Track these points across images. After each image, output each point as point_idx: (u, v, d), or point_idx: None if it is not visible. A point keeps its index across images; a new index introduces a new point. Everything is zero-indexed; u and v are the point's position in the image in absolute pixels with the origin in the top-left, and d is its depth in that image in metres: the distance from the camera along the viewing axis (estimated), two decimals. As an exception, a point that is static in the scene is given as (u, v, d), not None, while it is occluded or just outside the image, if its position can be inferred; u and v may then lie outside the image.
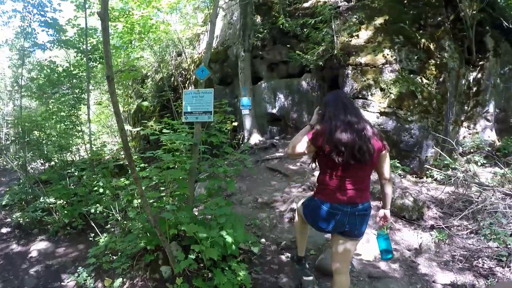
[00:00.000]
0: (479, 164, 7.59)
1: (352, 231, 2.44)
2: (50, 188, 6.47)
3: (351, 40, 8.09)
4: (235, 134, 9.75)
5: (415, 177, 7.32)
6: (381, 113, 7.21)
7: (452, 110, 8.54)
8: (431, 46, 8.10)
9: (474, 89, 9.15)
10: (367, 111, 7.32)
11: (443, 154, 6.69)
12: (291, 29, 8.40)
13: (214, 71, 10.78)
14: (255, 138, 8.79)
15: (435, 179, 6.97)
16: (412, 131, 7.23)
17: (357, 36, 8.13)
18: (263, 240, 4.19)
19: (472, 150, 8.27)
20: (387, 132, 7.25)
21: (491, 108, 9.04)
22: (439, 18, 8.59)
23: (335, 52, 7.77)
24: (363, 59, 7.62)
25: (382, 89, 7.29)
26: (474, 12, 8.61)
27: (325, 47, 7.71)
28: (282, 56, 9.69)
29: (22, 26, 7.73)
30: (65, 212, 5.80)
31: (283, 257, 3.85)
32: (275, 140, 8.89)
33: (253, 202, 5.32)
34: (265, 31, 9.03)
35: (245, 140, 9.01)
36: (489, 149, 7.46)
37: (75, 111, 8.15)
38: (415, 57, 7.82)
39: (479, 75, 9.17)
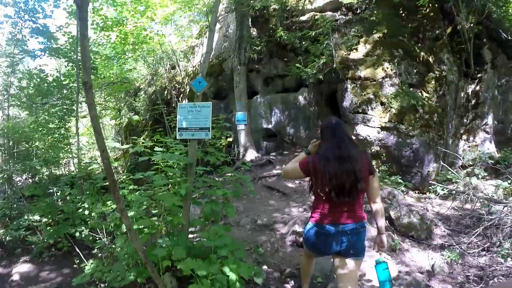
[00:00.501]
0: (480, 177, 7.37)
1: (348, 251, 2.45)
2: (34, 205, 6.05)
3: (349, 54, 7.93)
4: (229, 149, 9.48)
5: (418, 193, 7.09)
6: (382, 128, 7.00)
7: (452, 123, 8.40)
8: (430, 59, 7.99)
9: (473, 101, 9.03)
10: (368, 126, 7.11)
11: (449, 168, 6.45)
12: (290, 41, 8.24)
13: (208, 84, 10.53)
14: (251, 154, 8.50)
15: (438, 195, 6.73)
16: (414, 146, 7.03)
17: (356, 49, 7.98)
18: (264, 267, 3.85)
19: (471, 163, 8.10)
20: (388, 147, 7.03)
21: (490, 120, 8.92)
22: (437, 31, 8.52)
23: (334, 65, 7.59)
24: (363, 72, 7.45)
25: (382, 104, 7.10)
26: (472, 24, 8.55)
27: (325, 60, 7.53)
28: (278, 70, 9.51)
29: (13, 32, 7.42)
30: (50, 232, 5.41)
31: (288, 286, 3.53)
32: (271, 157, 8.59)
33: (252, 224, 4.98)
34: (262, 43, 8.84)
35: (240, 156, 8.72)
36: (491, 161, 7.27)
37: (64, 123, 7.80)
38: (415, 71, 7.68)
39: (478, 88, 9.08)
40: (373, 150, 7.16)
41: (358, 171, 2.32)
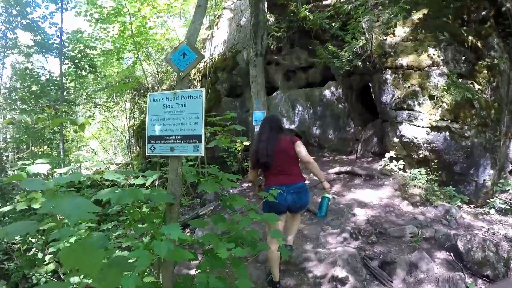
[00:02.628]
0: None
1: (294, 206, 3.15)
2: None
3: (386, 39, 6.68)
4: (246, 155, 8.34)
5: (474, 207, 5.85)
6: (432, 128, 5.75)
7: (504, 121, 7.10)
8: (479, 45, 6.68)
9: (527, 95, 7.66)
10: (414, 125, 5.88)
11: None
12: (315, 25, 6.98)
13: (221, 80, 9.42)
14: None
15: (498, 209, 5.52)
16: (469, 149, 5.77)
17: (393, 33, 6.71)
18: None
19: None
20: (438, 151, 5.80)
21: (545, 117, 7.55)
22: (483, 13, 7.17)
23: (370, 51, 6.36)
24: (405, 60, 6.19)
25: (431, 97, 5.85)
26: None
27: (364, 42, 6.29)
28: (301, 62, 8.31)
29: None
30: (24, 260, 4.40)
31: None
32: None
33: (275, 258, 3.85)
34: (281, 30, 7.64)
35: None
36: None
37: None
38: (463, 58, 6.41)
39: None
40: (420, 156, 5.93)
41: (269, 149, 3.12)
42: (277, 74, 8.74)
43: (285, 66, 8.52)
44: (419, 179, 5.71)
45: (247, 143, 7.91)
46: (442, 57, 6.11)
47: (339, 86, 7.85)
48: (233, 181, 2.49)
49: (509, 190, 6.02)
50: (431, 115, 5.76)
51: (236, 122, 8.97)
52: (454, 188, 5.66)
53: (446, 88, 5.81)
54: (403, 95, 6.00)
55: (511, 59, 7.53)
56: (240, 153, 7.85)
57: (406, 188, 5.56)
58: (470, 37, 6.57)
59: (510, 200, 5.67)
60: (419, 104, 5.86)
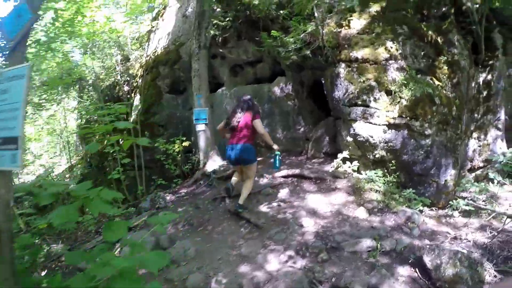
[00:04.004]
0: (495, 182, 5.81)
1: (236, 159, 4.54)
2: None
3: (340, 31, 6.11)
4: (187, 156, 7.42)
5: (436, 210, 5.40)
6: (390, 126, 5.21)
7: (463, 119, 6.80)
8: (439, 40, 6.31)
9: (484, 93, 7.42)
10: (370, 123, 5.30)
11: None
12: (262, 12, 6.28)
13: (163, 75, 8.45)
14: (214, 163, 6.46)
15: (462, 211, 5.09)
16: (429, 148, 5.30)
17: (348, 25, 6.16)
18: None
19: (480, 165, 6.78)
20: (396, 151, 5.27)
21: (502, 115, 7.41)
22: (444, 9, 6.86)
23: (322, 42, 5.73)
24: (360, 53, 5.64)
25: (388, 93, 5.31)
26: (477, 5, 6.96)
27: (313, 30, 5.63)
28: (248, 55, 7.57)
29: None
30: None
31: None
32: None
33: (204, 285, 3.00)
34: (228, 20, 6.87)
35: (201, 165, 6.66)
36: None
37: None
38: (422, 53, 5.99)
39: (489, 77, 7.49)
40: (376, 156, 5.36)
41: (235, 120, 4.56)
42: (223, 69, 7.94)
43: (231, 60, 7.75)
44: (376, 181, 5.13)
45: (186, 144, 7.10)
46: (400, 51, 5.64)
47: (289, 82, 7.18)
48: (112, 202, 1.61)
49: (470, 189, 5.65)
50: (388, 111, 5.22)
51: (177, 121, 8.07)
52: (414, 191, 5.14)
53: (405, 82, 5.30)
54: (357, 90, 5.41)
55: (471, 56, 7.29)
56: (180, 155, 6.94)
57: (362, 192, 4.94)
58: (430, 32, 6.18)
59: (472, 200, 5.26)
60: (375, 100, 5.29)
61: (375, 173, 5.18)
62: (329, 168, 5.80)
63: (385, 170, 5.37)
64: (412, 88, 5.17)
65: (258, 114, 4.60)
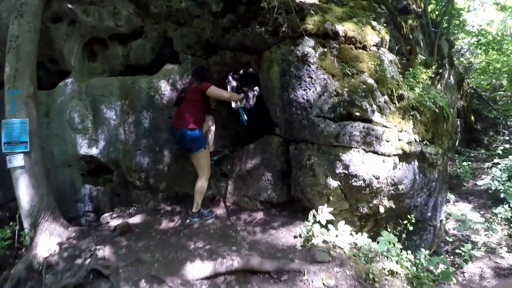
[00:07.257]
0: None
1: (187, 146, 3.52)
2: None
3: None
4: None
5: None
6: (401, 156, 2.90)
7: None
8: (411, 37, 4.63)
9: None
10: (376, 152, 2.89)
11: None
12: None
13: None
14: (49, 238, 2.80)
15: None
16: (434, 183, 3.38)
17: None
18: None
19: None
20: (399, 196, 3.12)
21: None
22: (404, 2, 5.31)
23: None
24: (340, 27, 3.22)
25: (391, 98, 3.02)
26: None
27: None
28: (119, 22, 4.13)
29: None
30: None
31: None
32: (99, 237, 3.08)
33: None
34: None
35: (26, 243, 2.88)
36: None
37: None
38: (397, 47, 4.22)
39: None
40: (371, 207, 3.03)
41: (183, 92, 3.61)
42: (71, 45, 4.24)
43: (88, 29, 4.15)
44: (390, 253, 2.70)
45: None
46: (389, 36, 3.51)
47: (186, 73, 4.14)
48: None
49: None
50: (401, 131, 2.90)
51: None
52: (405, 239, 3.11)
53: (411, 83, 3.13)
54: (347, 90, 2.92)
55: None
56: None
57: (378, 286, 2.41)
58: (403, 24, 4.46)
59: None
60: (380, 111, 2.90)
61: (386, 240, 2.75)
62: (290, 239, 3.08)
63: (376, 224, 3.06)
64: (430, 94, 3.02)
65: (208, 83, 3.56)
